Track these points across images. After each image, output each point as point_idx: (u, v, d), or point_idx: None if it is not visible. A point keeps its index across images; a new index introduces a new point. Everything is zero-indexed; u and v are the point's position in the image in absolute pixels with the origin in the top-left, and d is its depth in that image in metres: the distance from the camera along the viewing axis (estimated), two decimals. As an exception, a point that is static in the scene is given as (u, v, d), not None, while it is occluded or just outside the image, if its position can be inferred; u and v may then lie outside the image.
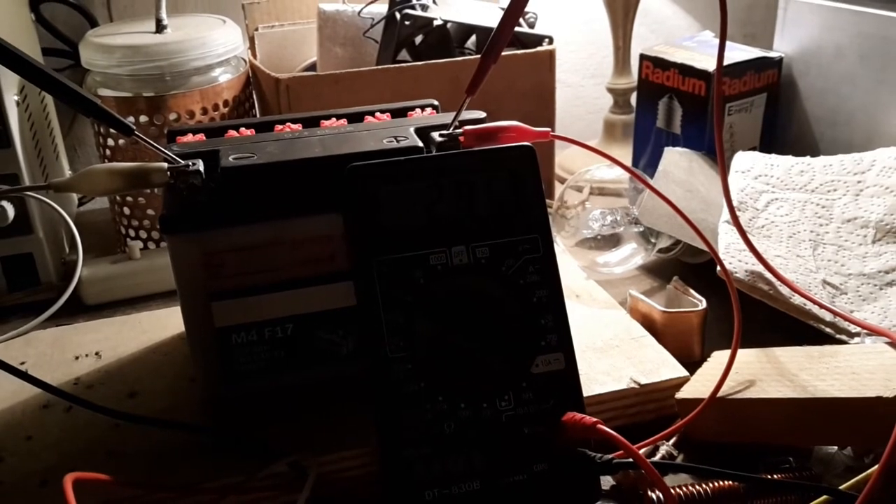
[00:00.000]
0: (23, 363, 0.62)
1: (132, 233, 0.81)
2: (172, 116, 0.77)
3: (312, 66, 0.91)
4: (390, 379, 0.47)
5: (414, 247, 0.48)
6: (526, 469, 0.47)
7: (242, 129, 0.59)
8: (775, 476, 0.49)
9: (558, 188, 0.86)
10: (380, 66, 0.82)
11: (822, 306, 0.60)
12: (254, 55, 0.90)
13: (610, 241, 0.77)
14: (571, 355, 0.49)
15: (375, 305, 0.47)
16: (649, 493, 0.47)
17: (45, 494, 0.49)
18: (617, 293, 0.70)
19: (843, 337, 0.60)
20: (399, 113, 0.62)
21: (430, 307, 0.48)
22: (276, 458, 0.49)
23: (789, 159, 0.74)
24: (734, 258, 0.64)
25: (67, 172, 0.93)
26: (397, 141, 0.54)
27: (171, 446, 0.52)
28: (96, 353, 0.62)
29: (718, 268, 0.59)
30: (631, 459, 0.43)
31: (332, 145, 0.54)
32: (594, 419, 0.44)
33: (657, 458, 0.53)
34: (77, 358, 0.62)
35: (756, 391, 0.51)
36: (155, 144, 0.51)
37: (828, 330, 0.60)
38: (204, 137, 0.58)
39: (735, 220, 0.61)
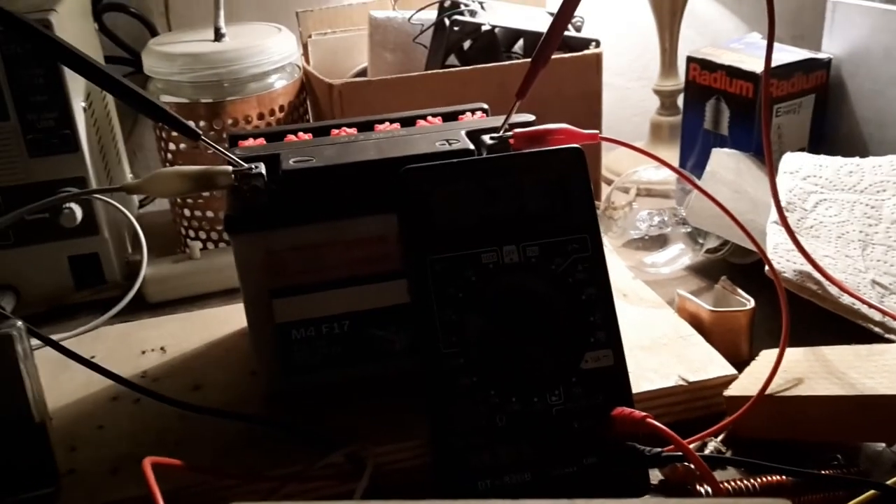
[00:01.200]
0: (93, 357, 0.64)
1: (192, 233, 0.84)
2: (230, 121, 0.80)
3: (363, 72, 0.94)
4: (443, 373, 0.48)
5: (466, 246, 0.50)
6: (576, 462, 0.48)
7: (300, 134, 0.61)
8: (823, 472, 0.50)
9: (605, 189, 0.87)
10: (429, 71, 0.84)
11: (871, 306, 0.61)
12: (307, 61, 0.93)
13: (657, 241, 0.78)
14: (620, 352, 0.50)
15: (429, 302, 0.49)
16: (697, 487, 0.48)
17: (117, 481, 0.51)
18: (664, 293, 0.71)
19: (893, 336, 0.60)
20: (450, 116, 0.64)
21: (481, 304, 0.49)
22: (334, 449, 0.52)
23: (838, 160, 0.74)
24: (782, 258, 0.64)
25: (129, 176, 0.97)
26: (449, 144, 0.56)
27: (234, 436, 0.54)
28: (161, 348, 0.65)
29: (767, 267, 0.60)
30: (680, 453, 0.44)
31: (387, 148, 0.56)
32: (643, 413, 0.45)
33: (706, 454, 0.53)
34: (143, 352, 0.65)
35: (804, 389, 0.52)
36: (220, 148, 0.53)
37: (877, 329, 0.61)
38: (264, 141, 0.60)
39: (783, 221, 0.61)
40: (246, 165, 0.53)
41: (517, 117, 0.59)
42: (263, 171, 0.53)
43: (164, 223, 0.91)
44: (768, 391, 0.53)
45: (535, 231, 0.51)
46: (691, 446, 0.53)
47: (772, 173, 0.62)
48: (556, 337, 0.49)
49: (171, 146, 0.81)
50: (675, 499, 0.38)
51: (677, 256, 0.76)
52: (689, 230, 0.76)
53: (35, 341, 0.55)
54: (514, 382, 0.49)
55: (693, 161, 0.88)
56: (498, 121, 0.60)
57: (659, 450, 0.45)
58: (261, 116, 0.81)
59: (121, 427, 0.56)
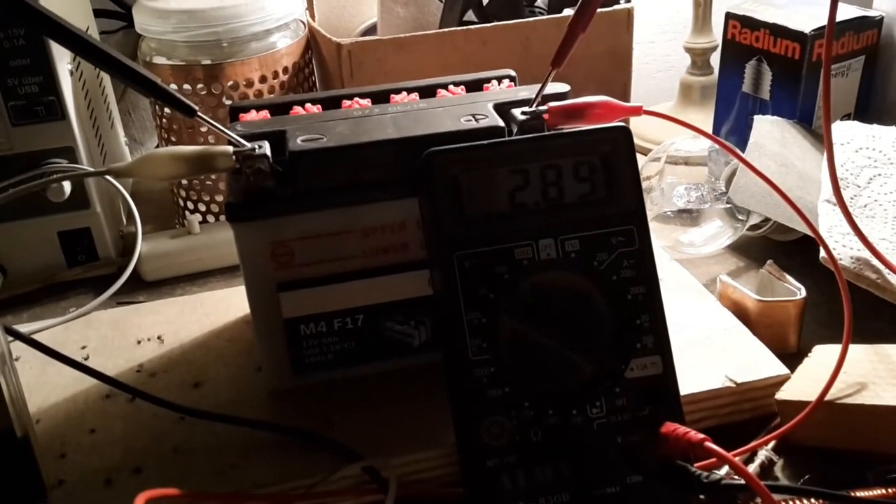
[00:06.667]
0: (84, 347, 0.60)
1: (190, 205, 0.78)
2: (229, 84, 0.73)
3: (372, 28, 0.87)
4: (472, 383, 0.43)
5: (498, 239, 0.44)
6: (619, 481, 0.43)
7: (308, 106, 0.55)
8: (890, 490, 0.45)
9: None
10: (446, 29, 0.77)
11: (936, 298, 0.55)
12: (311, 17, 0.86)
13: (690, 216, 0.72)
14: (670, 359, 0.45)
15: (456, 303, 0.44)
16: (752, 508, 0.44)
17: (110, 495, 0.47)
18: (700, 273, 0.65)
19: (959, 332, 0.55)
20: (474, 86, 0.57)
21: (515, 305, 0.44)
22: (349, 461, 0.47)
23: (893, 130, 0.68)
24: (837, 243, 0.59)
25: (122, 139, 0.91)
26: (476, 120, 0.50)
27: (237, 441, 0.49)
28: (158, 338, 0.60)
29: (822, 253, 0.54)
30: (742, 482, 0.39)
31: (406, 125, 0.50)
32: (702, 436, 0.40)
33: (756, 464, 0.49)
34: (139, 342, 0.60)
35: (870, 396, 0.47)
36: (220, 127, 0.47)
37: (941, 324, 0.55)
38: (268, 114, 0.54)
39: (840, 201, 0.55)
40: (248, 145, 0.47)
41: (550, 87, 0.53)
42: (268, 152, 0.47)
43: (158, 192, 0.85)
44: (827, 397, 0.48)
45: (575, 222, 0.45)
46: (739, 458, 0.48)
47: (829, 145, 0.56)
48: (599, 342, 0.44)
49: (167, 110, 0.75)
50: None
51: (716, 234, 0.70)
52: (728, 206, 0.70)
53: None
54: (551, 393, 0.43)
55: (729, 126, 0.82)
56: (527, 91, 0.54)
57: (718, 476, 0.40)
58: (263, 79, 0.74)
59: (114, 431, 0.51)
